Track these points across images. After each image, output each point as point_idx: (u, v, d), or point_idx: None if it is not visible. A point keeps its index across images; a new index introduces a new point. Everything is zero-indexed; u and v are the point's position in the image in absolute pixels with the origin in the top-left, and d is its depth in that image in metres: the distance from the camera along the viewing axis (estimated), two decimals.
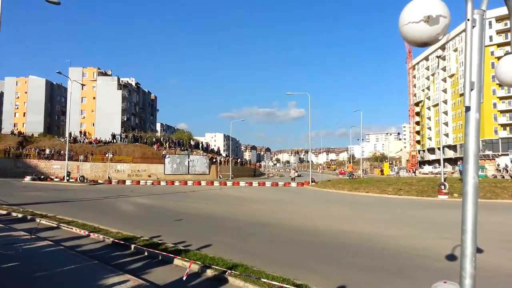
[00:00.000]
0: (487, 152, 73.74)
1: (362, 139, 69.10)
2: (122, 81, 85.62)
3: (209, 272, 7.09)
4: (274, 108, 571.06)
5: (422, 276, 7.47)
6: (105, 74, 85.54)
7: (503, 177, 39.63)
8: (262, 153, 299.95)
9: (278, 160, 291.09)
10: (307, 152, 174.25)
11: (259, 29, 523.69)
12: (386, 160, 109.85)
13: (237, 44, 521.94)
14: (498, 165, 53.64)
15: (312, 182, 41.12)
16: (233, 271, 6.89)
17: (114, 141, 58.91)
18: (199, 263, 7.41)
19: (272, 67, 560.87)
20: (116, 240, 9.43)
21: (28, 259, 7.28)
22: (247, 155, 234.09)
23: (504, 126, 74.09)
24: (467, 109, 2.97)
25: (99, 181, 42.36)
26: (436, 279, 2.67)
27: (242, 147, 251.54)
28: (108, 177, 44.83)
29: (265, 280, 6.32)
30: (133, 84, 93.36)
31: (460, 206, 2.64)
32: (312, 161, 73.38)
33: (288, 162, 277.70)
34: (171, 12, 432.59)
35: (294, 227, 13.60)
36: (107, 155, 49.28)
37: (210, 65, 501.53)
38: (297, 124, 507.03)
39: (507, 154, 63.19)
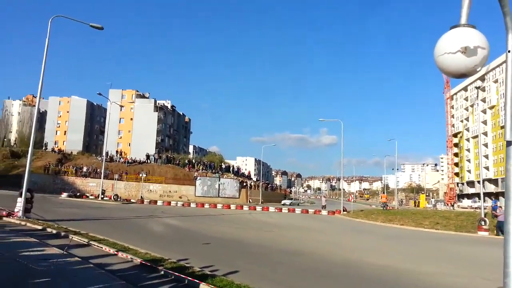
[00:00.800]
0: None
1: (397, 169, 67.20)
2: (158, 103, 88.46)
3: None
4: (306, 134, 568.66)
5: None
6: (143, 97, 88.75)
7: None
8: (293, 179, 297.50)
9: (309, 187, 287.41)
10: (339, 179, 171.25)
11: (290, 53, 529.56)
12: (423, 192, 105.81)
13: (267, 69, 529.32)
14: None
15: (343, 211, 40.11)
16: None
17: (148, 161, 60.40)
18: None
19: (304, 93, 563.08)
20: (143, 262, 9.49)
21: (59, 276, 7.43)
22: (277, 180, 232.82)
23: None
24: (508, 143, 2.81)
25: (132, 200, 43.26)
26: None
27: (273, 172, 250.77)
28: (141, 196, 45.72)
29: None
30: (169, 106, 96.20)
31: (501, 244, 2.46)
32: (344, 189, 71.91)
33: (319, 189, 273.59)
34: (206, 35, 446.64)
35: (325, 257, 13.22)
36: (140, 175, 50.46)
37: (242, 90, 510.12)
38: (329, 150, 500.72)
39: None
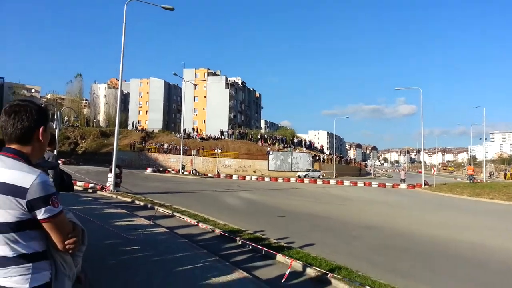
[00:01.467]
0: None
1: (485, 139, 61.32)
2: (229, 80, 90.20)
3: (311, 272, 6.94)
4: (381, 105, 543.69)
5: None
6: (215, 74, 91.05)
7: None
8: (368, 152, 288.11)
9: (385, 160, 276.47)
10: (419, 151, 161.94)
11: (363, 23, 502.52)
12: None
13: (339, 39, 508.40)
14: None
15: (425, 184, 37.96)
16: (336, 274, 6.65)
17: (222, 137, 62.38)
18: (301, 262, 7.32)
19: (377, 61, 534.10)
20: (222, 232, 9.89)
21: (147, 244, 8.04)
22: (351, 154, 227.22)
23: None
24: None
25: (209, 174, 45.29)
26: None
27: (347, 145, 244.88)
28: (217, 171, 47.62)
29: (370, 287, 5.95)
30: (239, 83, 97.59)
31: None
32: (425, 162, 67.90)
33: (397, 162, 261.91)
34: (274, 11, 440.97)
35: (403, 232, 12.68)
36: (216, 151, 52.46)
37: (313, 62, 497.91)
38: (408, 121, 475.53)
39: None
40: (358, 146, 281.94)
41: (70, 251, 1.78)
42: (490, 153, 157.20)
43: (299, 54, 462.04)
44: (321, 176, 47.06)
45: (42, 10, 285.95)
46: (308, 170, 49.36)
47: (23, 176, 1.65)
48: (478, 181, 45.34)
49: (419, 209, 21.40)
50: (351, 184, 39.78)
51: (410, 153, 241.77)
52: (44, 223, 1.67)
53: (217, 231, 10.10)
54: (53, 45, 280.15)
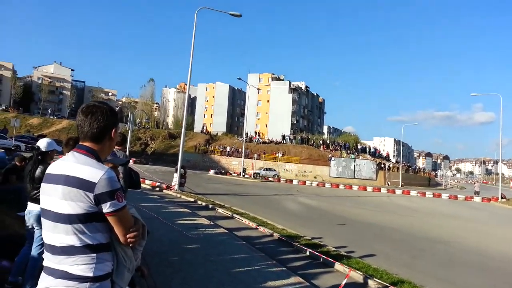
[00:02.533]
0: None
1: None
2: (293, 85, 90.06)
3: (372, 284, 6.68)
4: (454, 111, 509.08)
5: None
6: (278, 79, 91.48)
7: None
8: (438, 161, 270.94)
9: (458, 170, 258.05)
10: (496, 162, 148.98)
11: (435, 24, 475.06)
12: None
13: (408, 42, 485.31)
14: None
15: (501, 198, 34.83)
16: (398, 287, 6.34)
17: (284, 141, 62.38)
18: (361, 272, 7.07)
19: (450, 65, 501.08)
20: (281, 236, 9.87)
21: (207, 243, 8.27)
22: (420, 163, 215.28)
23: None
24: None
25: (269, 178, 45.54)
26: None
27: (415, 153, 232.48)
28: (277, 175, 47.74)
29: None
30: (303, 87, 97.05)
31: None
32: (503, 174, 62.37)
33: (471, 173, 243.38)
34: (339, 16, 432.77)
35: (476, 248, 11.73)
36: (277, 155, 52.62)
37: (379, 66, 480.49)
38: (484, 129, 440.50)
39: None
40: (428, 154, 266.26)
41: (131, 245, 1.88)
42: None
43: (365, 58, 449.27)
44: (276, 176, 44.55)
45: (120, 22, 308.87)
46: (260, 169, 47.09)
47: (92, 171, 1.78)
48: None
49: (493, 224, 19.70)
50: (418, 194, 37.66)
51: (486, 164, 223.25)
52: (108, 216, 1.78)
53: (275, 235, 10.11)
54: (130, 51, 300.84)
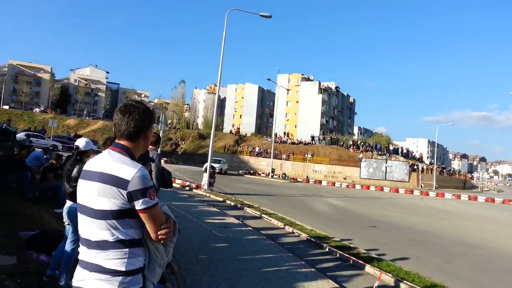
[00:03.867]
0: None
1: None
2: (322, 85, 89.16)
3: (403, 287, 6.52)
4: (492, 112, 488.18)
5: None
6: (308, 79, 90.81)
7: None
8: (475, 163, 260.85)
9: (496, 172, 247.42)
10: None
11: (473, 19, 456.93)
12: None
13: (443, 39, 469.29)
14: None
15: None
16: None
17: (313, 142, 61.84)
18: (391, 275, 6.91)
19: (489, 63, 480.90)
20: (309, 237, 9.80)
21: (235, 242, 8.33)
22: (455, 164, 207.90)
23: None
24: None
25: (298, 179, 45.28)
26: None
27: (450, 155, 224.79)
28: (306, 176, 47.38)
29: None
30: (333, 88, 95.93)
31: None
32: None
33: (510, 175, 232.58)
34: (368, 17, 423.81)
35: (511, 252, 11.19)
36: (306, 156, 52.24)
37: (412, 64, 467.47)
38: None
39: None
40: (464, 156, 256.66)
41: (162, 241, 1.92)
42: None
43: (397, 56, 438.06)
44: (223, 168, 40.22)
45: (151, 23, 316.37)
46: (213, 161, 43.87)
47: (126, 169, 1.83)
48: None
49: None
50: (453, 197, 36.35)
51: None
52: (141, 213, 1.83)
53: (304, 235, 10.05)
54: (162, 53, 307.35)
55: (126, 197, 1.80)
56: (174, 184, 20.06)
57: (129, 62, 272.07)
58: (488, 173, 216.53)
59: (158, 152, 4.98)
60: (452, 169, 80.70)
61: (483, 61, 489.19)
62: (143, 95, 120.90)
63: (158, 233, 1.87)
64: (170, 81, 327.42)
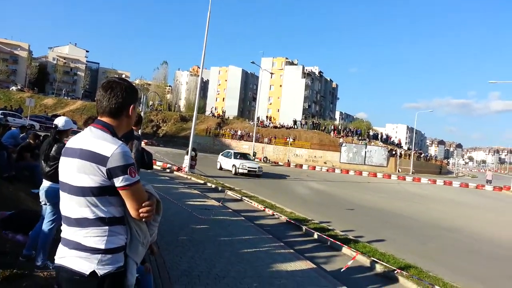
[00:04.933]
0: None
1: None
2: (306, 69, 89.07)
3: (378, 268, 6.75)
4: (470, 99, 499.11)
5: None
6: (292, 64, 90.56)
7: None
8: (451, 149, 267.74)
9: (471, 159, 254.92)
10: (510, 152, 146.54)
11: (455, 7, 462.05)
12: None
13: (426, 25, 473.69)
14: None
15: None
16: (404, 272, 6.37)
17: (295, 126, 62.13)
18: (368, 256, 7.14)
19: (470, 51, 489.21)
20: (289, 220, 9.96)
21: (215, 224, 8.40)
22: (433, 150, 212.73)
23: None
24: None
25: (279, 163, 45.61)
26: None
27: (428, 141, 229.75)
28: (288, 160, 47.77)
29: None
30: (316, 72, 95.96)
31: None
32: None
33: (484, 161, 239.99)
34: (357, 2, 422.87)
35: (486, 236, 11.68)
36: (288, 140, 52.53)
37: (394, 51, 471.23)
38: (500, 118, 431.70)
39: None
40: (441, 142, 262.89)
41: (144, 219, 1.90)
42: None
43: (380, 42, 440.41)
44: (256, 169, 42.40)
45: (134, 3, 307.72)
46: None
47: (105, 145, 1.81)
48: None
49: (503, 212, 19.51)
50: (429, 182, 37.42)
51: (500, 153, 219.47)
52: (121, 190, 1.81)
53: (284, 218, 10.21)
54: (144, 34, 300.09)
55: (105, 174, 1.78)
56: (155, 167, 19.93)
57: (110, 42, 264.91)
58: (463, 159, 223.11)
59: (139, 133, 4.94)
60: (429, 155, 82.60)
61: (465, 49, 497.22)
62: (124, 76, 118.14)
63: (140, 211, 1.85)
64: (152, 62, 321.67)
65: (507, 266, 8.52)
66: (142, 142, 5.62)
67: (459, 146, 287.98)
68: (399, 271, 6.37)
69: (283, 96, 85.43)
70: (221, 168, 23.10)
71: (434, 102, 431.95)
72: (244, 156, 24.80)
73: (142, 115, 24.05)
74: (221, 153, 25.88)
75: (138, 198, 1.85)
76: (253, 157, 43.86)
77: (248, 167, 22.28)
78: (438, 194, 26.15)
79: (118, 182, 1.79)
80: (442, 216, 15.68)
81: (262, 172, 23.11)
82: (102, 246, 1.79)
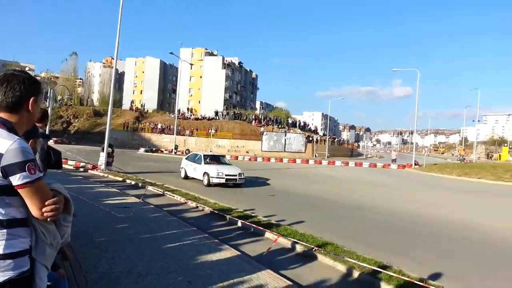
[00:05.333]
0: None
1: (478, 121, 61.75)
2: (226, 60, 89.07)
3: (299, 248, 7.10)
4: (376, 87, 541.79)
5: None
6: (212, 54, 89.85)
7: None
8: (361, 133, 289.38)
9: (378, 141, 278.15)
10: (411, 133, 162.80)
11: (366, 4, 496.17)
12: (505, 144, 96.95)
13: (338, 21, 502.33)
14: None
15: (415, 165, 38.42)
16: (322, 249, 6.80)
17: (217, 117, 62.19)
18: (289, 238, 7.47)
19: (376, 42, 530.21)
20: (213, 210, 10.00)
21: (136, 222, 8.11)
22: (345, 135, 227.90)
23: None
24: None
25: None
26: None
27: (341, 126, 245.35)
28: (210, 151, 47.74)
29: (354, 261, 6.09)
30: (236, 63, 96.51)
31: None
32: (416, 143, 68.56)
33: (389, 143, 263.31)
34: None
35: (391, 211, 12.90)
36: (210, 131, 52.38)
37: (310, 45, 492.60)
38: (402, 103, 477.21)
39: None
40: (352, 127, 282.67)
41: (49, 219, 1.75)
42: (482, 135, 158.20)
43: (297, 35, 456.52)
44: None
45: None
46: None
47: (0, 142, 1.66)
48: (468, 161, 45.88)
49: (407, 188, 21.70)
50: (342, 164, 40.09)
51: (403, 135, 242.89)
52: (19, 189, 1.66)
53: (207, 209, 10.22)
54: (50, 23, 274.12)
55: (0, 173, 1.63)
56: (66, 166, 18.56)
57: (12, 32, 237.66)
58: (371, 142, 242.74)
59: (46, 130, 4.56)
60: (342, 139, 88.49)
61: (373, 39, 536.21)
62: (27, 68, 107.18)
63: (43, 210, 1.70)
64: (61, 54, 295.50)
65: (403, 235, 9.54)
66: (51, 140, 5.19)
67: (367, 130, 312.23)
68: (317, 249, 6.78)
69: (204, 87, 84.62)
70: (186, 177, 18.37)
71: (345, 90, 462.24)
72: (217, 159, 18.81)
73: (49, 110, 22.14)
74: (185, 157, 20.61)
75: (40, 197, 1.70)
76: (176, 150, 43.12)
77: (226, 175, 16.38)
78: (350, 175, 28.13)
79: (16, 180, 1.64)
80: (353, 195, 16.94)
81: (244, 179, 17.29)
82: (0, 251, 1.64)
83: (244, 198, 13.88)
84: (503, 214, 13.84)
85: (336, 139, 76.59)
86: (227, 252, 6.38)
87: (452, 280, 5.98)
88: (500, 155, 69.73)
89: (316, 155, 51.92)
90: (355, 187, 20.75)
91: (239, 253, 6.44)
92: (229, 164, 18.47)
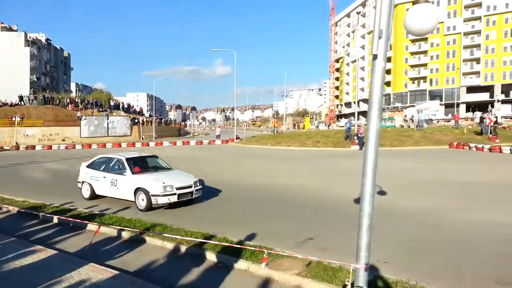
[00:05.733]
0: (396, 104, 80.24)
1: (286, 96, 70.73)
2: (30, 37, 76.48)
3: (125, 235, 6.97)
4: (200, 66, 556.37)
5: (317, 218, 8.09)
6: (10, 29, 75.91)
7: (409, 126, 43.39)
8: (188, 112, 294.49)
9: (204, 119, 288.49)
10: (232, 109, 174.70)
11: None
12: (308, 115, 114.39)
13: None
14: (406, 116, 58.72)
15: (236, 139, 41.59)
16: (150, 231, 6.84)
17: (22, 103, 53.38)
18: (114, 226, 7.22)
19: (197, 22, 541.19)
20: (21, 209, 8.80)
21: None
22: (172, 115, 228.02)
23: (413, 79, 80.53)
24: (374, 57, 2.99)
25: (5, 147, 38.58)
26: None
27: (167, 106, 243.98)
28: (16, 142, 41.02)
29: (182, 237, 6.32)
30: (43, 40, 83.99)
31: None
32: (237, 119, 74.13)
33: (214, 120, 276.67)
34: None
35: (213, 183, 13.69)
36: (14, 119, 44.64)
37: (131, 21, 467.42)
38: (224, 81, 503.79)
39: (414, 106, 69.58)
40: (178, 107, 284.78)
41: None
42: (290, 108, 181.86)
43: (116, 8, 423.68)
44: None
45: None
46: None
47: None
48: (280, 132, 52.34)
49: (228, 161, 23.36)
50: (170, 144, 40.31)
51: (226, 112, 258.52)
52: None
53: (14, 209, 8.93)
54: None
55: None
56: None
57: None
58: (198, 120, 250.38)
59: None
60: (169, 119, 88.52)
61: (196, 18, 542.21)
62: None
63: None
64: None
65: (236, 205, 10.43)
66: None
67: (193, 108, 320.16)
68: (144, 232, 6.80)
69: (2, 68, 70.93)
70: (93, 196, 10.83)
71: (170, 70, 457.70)
72: (147, 162, 11.79)
73: None
74: (85, 163, 12.27)
75: None
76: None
77: (177, 188, 9.59)
78: (176, 153, 28.17)
79: None
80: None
81: (201, 191, 10.57)
82: None
83: (61, 191, 12.47)
84: (306, 175, 16.40)
85: (163, 119, 76.05)
86: (42, 254, 5.78)
87: (269, 238, 6.75)
88: (304, 125, 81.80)
89: (143, 137, 50.55)
90: (181, 164, 21.16)
91: (56, 252, 5.91)
92: (169, 169, 11.59)
